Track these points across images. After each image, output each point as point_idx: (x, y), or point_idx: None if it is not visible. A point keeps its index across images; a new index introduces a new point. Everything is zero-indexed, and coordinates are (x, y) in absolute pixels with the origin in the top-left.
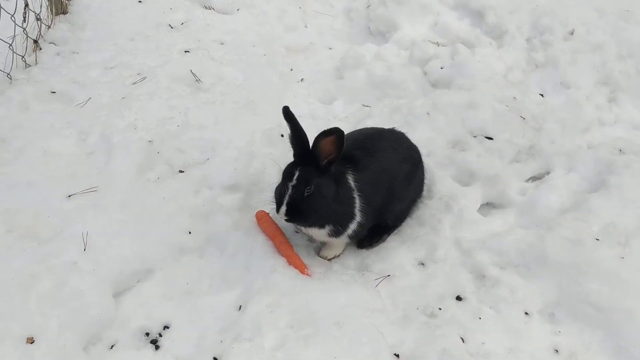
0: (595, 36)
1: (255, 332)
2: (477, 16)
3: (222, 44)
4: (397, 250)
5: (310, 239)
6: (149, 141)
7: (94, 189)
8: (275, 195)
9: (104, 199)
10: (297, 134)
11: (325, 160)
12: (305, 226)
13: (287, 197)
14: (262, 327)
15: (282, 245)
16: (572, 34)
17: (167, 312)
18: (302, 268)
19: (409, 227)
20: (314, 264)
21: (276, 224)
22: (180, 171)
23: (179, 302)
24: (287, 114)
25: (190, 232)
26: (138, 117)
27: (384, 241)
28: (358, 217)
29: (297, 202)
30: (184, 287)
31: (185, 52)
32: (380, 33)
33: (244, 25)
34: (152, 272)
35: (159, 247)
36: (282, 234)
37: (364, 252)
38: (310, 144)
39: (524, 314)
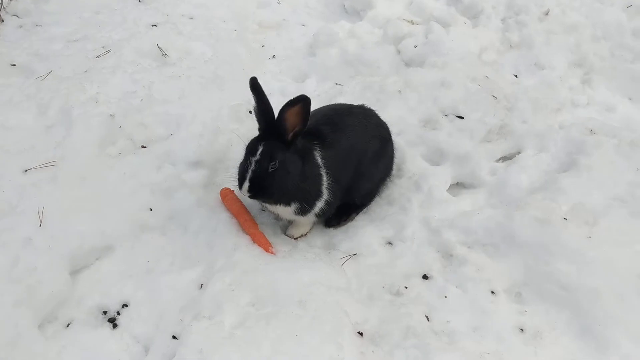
0: (570, 17)
1: (215, 311)
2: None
3: (192, 18)
4: (365, 229)
5: (277, 218)
6: (111, 115)
7: (52, 164)
8: (238, 171)
9: (62, 174)
10: (262, 106)
11: (291, 134)
12: (270, 203)
13: (250, 173)
14: (222, 305)
15: (247, 223)
16: (547, 14)
17: (126, 290)
18: (266, 246)
19: (377, 206)
20: (280, 243)
21: (241, 202)
22: (143, 146)
23: (139, 280)
24: (254, 85)
25: (151, 209)
26: (100, 90)
27: (352, 220)
28: (325, 195)
29: (260, 178)
30: (144, 265)
31: (152, 26)
32: (355, 11)
33: (215, 1)
34: (111, 249)
35: (118, 224)
36: (247, 212)
37: (332, 231)
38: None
39: (490, 293)
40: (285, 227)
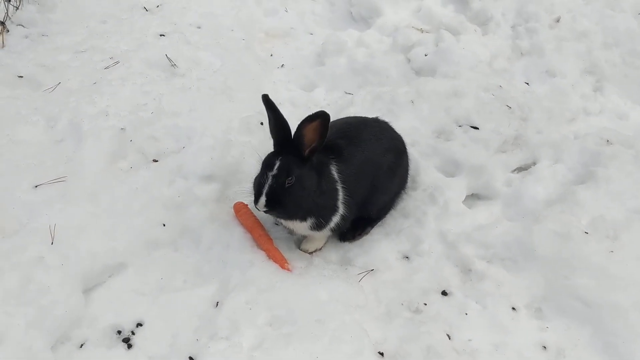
0: (581, 24)
1: (232, 331)
2: (462, 2)
3: (199, 27)
4: (381, 243)
5: (291, 232)
6: (122, 129)
7: (62, 179)
8: (254, 186)
9: (73, 190)
10: (278, 122)
11: (308, 149)
12: (285, 219)
13: (266, 188)
14: (239, 325)
15: (261, 239)
16: (557, 21)
17: (140, 309)
18: (282, 262)
19: (392, 219)
20: (295, 258)
21: (255, 216)
22: (154, 160)
23: (153, 298)
24: (267, 101)
25: (164, 225)
26: (110, 103)
27: (367, 234)
28: (341, 209)
29: (277, 193)
30: (157, 282)
31: (160, 35)
32: (363, 18)
33: (222, 9)
34: (124, 266)
35: (131, 241)
36: (261, 226)
37: (347, 245)
38: (292, 132)
39: (510, 309)
40: (299, 241)
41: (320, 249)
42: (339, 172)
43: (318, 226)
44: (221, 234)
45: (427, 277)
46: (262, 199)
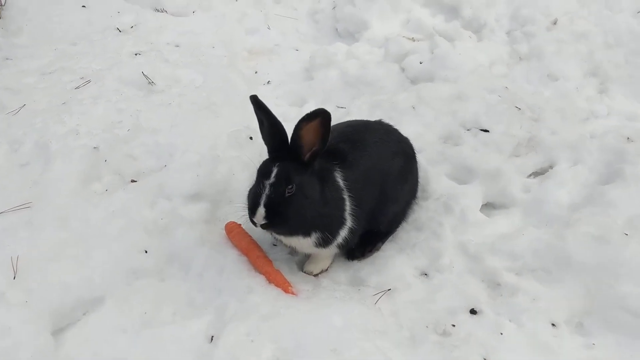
0: (579, 25)
1: None
2: (452, 11)
3: (177, 46)
4: (395, 260)
5: (292, 252)
6: (94, 147)
7: (27, 205)
8: (249, 198)
9: (40, 216)
10: (272, 125)
11: (309, 154)
12: (286, 234)
13: (264, 198)
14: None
15: (259, 261)
16: (555, 23)
17: (122, 348)
18: (285, 286)
19: (404, 232)
20: (298, 281)
21: (250, 237)
22: (133, 180)
23: (136, 335)
24: (257, 102)
25: (146, 251)
26: (81, 122)
27: (378, 250)
28: (349, 222)
29: (276, 204)
30: (141, 316)
31: (136, 54)
32: (349, 33)
33: (201, 27)
34: (100, 301)
35: (108, 271)
36: (258, 247)
37: (356, 264)
38: (289, 136)
39: (550, 326)
40: (302, 262)
41: (327, 269)
42: (344, 179)
43: (324, 242)
44: (213, 258)
45: (451, 294)
46: (260, 211)
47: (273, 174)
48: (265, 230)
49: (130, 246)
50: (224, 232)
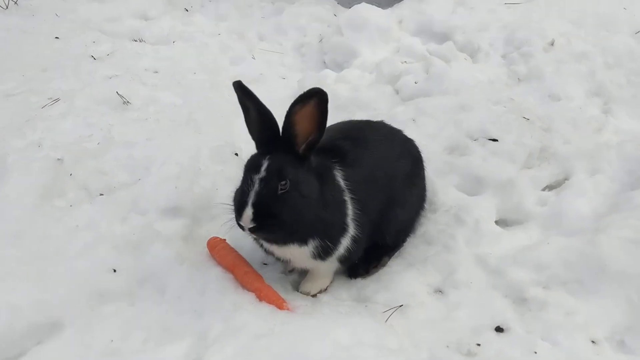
0: (577, 46)
1: None
2: (444, 38)
3: (156, 72)
4: (404, 276)
5: (285, 269)
6: (58, 159)
7: None
8: (235, 198)
9: None
10: (260, 114)
11: (304, 145)
12: (279, 242)
13: (252, 196)
14: None
15: (248, 276)
16: (552, 44)
17: None
18: (279, 302)
19: (412, 247)
20: (294, 298)
21: (236, 252)
22: (101, 194)
23: None
24: (242, 89)
25: (115, 270)
26: (44, 136)
27: (384, 265)
28: (351, 229)
29: (267, 203)
30: (107, 345)
31: (110, 77)
32: (337, 64)
33: (182, 55)
34: (58, 327)
35: (69, 292)
36: (246, 263)
37: (360, 282)
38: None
39: (590, 343)
40: (297, 283)
41: (326, 289)
42: (345, 179)
43: (323, 252)
44: (193, 278)
45: (471, 312)
46: (247, 212)
47: (263, 167)
48: (254, 240)
49: (96, 264)
50: (206, 249)
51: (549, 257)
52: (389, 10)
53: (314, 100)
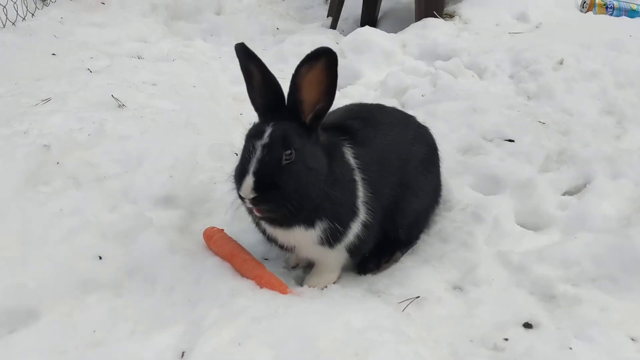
0: (586, 65)
1: None
2: (448, 59)
3: (154, 85)
4: (419, 272)
5: (288, 263)
6: (45, 145)
7: None
8: (237, 168)
9: None
10: (265, 79)
11: (311, 114)
12: (283, 223)
13: (254, 164)
14: None
15: (247, 264)
16: (561, 63)
17: None
18: (282, 289)
19: (427, 245)
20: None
21: (235, 242)
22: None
23: (77, 357)
24: (245, 50)
25: (100, 257)
26: (32, 127)
27: (396, 261)
28: (362, 213)
29: (270, 173)
30: (88, 336)
31: (106, 84)
32: (340, 86)
33: (182, 70)
34: (34, 316)
35: (48, 279)
36: (245, 251)
37: (370, 277)
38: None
39: (630, 341)
40: (301, 279)
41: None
42: (355, 157)
43: (332, 237)
44: (187, 267)
45: (494, 309)
46: (248, 180)
47: (267, 134)
48: (256, 226)
49: (80, 250)
50: (202, 241)
51: (577, 253)
52: (392, 34)
53: (322, 61)
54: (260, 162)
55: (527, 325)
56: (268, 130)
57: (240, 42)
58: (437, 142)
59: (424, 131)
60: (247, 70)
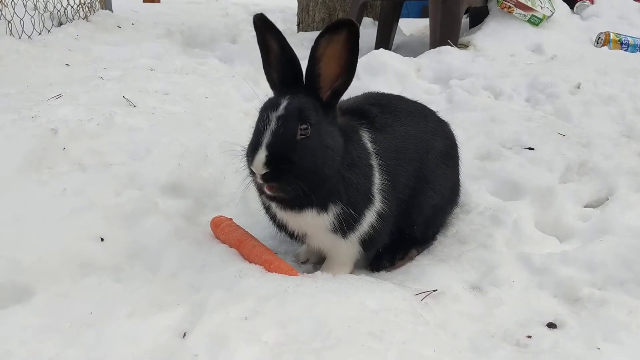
0: (604, 90)
1: (216, 350)
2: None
3: (167, 94)
4: (436, 269)
5: (298, 256)
6: (52, 129)
7: None
8: (250, 142)
9: None
10: (284, 52)
11: (329, 91)
12: (295, 206)
13: (268, 135)
14: (229, 340)
15: (256, 250)
16: (578, 87)
17: (46, 350)
18: (291, 273)
19: (443, 246)
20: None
21: (243, 230)
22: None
23: (72, 335)
24: (265, 21)
25: (102, 239)
26: (40, 115)
27: (411, 259)
28: (378, 202)
29: (284, 146)
30: (84, 316)
31: (118, 88)
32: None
33: (195, 83)
34: (29, 293)
35: (45, 257)
36: (254, 238)
37: (384, 274)
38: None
39: None
40: (310, 272)
41: None
42: (372, 142)
43: (346, 224)
44: (192, 255)
45: (516, 310)
46: (261, 155)
47: (282, 106)
48: (266, 212)
49: (81, 230)
50: (209, 230)
51: (603, 255)
52: (407, 58)
53: (344, 33)
54: (275, 134)
55: (551, 325)
56: (284, 103)
57: (259, 13)
58: (457, 138)
59: (444, 125)
60: (265, 44)
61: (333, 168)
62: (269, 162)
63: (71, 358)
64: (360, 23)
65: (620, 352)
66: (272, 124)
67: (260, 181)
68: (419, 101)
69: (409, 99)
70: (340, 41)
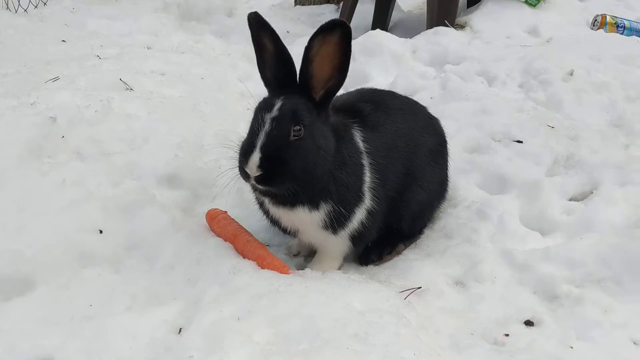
0: (597, 77)
1: (211, 351)
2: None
3: (163, 74)
4: (422, 264)
5: (290, 251)
6: (51, 117)
7: None
8: (243, 143)
9: None
10: (278, 51)
11: (322, 90)
12: (287, 203)
13: (262, 137)
14: (223, 342)
15: (250, 245)
16: (571, 74)
17: (49, 342)
18: (284, 270)
19: (430, 240)
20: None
21: (238, 223)
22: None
23: (71, 328)
24: (259, 19)
25: (101, 231)
26: (40, 100)
27: (399, 253)
28: (367, 199)
29: (278, 147)
30: (83, 309)
31: (115, 69)
32: (347, 89)
33: (191, 62)
34: (29, 285)
35: (46, 248)
36: (248, 233)
37: (372, 268)
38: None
39: (632, 344)
40: (302, 267)
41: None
42: (364, 141)
43: (336, 221)
44: (188, 247)
45: (496, 306)
46: (255, 157)
47: (276, 107)
48: (259, 207)
49: (80, 222)
50: (205, 222)
51: (583, 253)
52: (403, 39)
53: (336, 34)
54: (269, 135)
55: (529, 323)
56: (278, 104)
57: (254, 11)
58: (446, 135)
59: (434, 122)
60: (260, 42)
61: (324, 168)
62: (262, 164)
63: (72, 351)
64: None
65: (592, 351)
66: (266, 126)
67: (253, 182)
68: (413, 88)
69: (401, 95)
70: (333, 42)
